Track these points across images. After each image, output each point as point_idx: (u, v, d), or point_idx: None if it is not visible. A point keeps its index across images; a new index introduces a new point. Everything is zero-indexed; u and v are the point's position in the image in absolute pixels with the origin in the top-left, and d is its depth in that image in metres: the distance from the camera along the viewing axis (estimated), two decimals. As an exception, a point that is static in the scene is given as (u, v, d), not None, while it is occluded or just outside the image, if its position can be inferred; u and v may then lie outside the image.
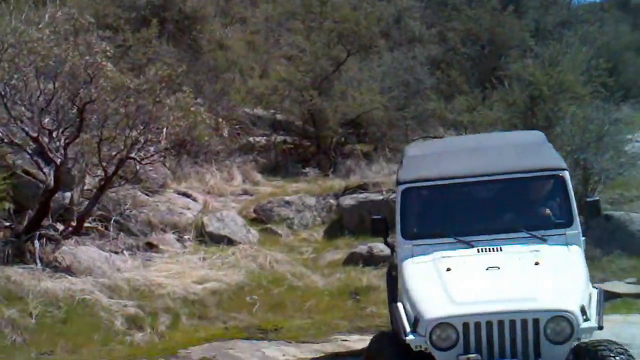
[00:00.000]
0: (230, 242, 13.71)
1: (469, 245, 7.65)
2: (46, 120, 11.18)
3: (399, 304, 7.31)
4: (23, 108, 11.13)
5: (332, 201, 15.71)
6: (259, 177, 17.42)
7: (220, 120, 14.70)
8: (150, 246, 12.90)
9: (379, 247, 13.38)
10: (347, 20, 19.53)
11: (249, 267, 12.59)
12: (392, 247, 8.45)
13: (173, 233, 13.60)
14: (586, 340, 6.86)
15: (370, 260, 13.19)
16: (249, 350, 9.54)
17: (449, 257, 7.58)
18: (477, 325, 6.71)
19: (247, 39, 22.76)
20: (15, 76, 10.83)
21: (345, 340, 10.21)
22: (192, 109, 11.53)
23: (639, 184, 15.49)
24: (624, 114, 22.93)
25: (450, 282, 7.19)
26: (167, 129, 11.35)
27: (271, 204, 15.53)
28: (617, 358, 6.72)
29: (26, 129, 10.84)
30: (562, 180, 7.90)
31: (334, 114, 18.21)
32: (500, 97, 15.47)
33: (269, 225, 15.01)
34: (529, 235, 7.68)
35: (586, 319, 6.76)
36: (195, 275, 11.93)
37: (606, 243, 12.74)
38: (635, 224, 13.39)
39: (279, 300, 11.66)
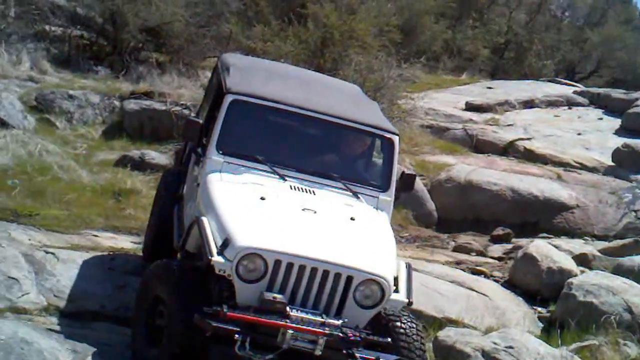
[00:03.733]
0: (4, 125, 13.17)
1: (282, 178, 7.22)
2: None
3: (204, 219, 6.76)
4: None
5: (116, 103, 15.40)
6: (48, 66, 16.76)
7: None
8: None
9: (152, 154, 13.48)
10: None
11: (17, 152, 12.20)
12: (197, 155, 7.69)
13: (-55, 106, 12.88)
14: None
15: (140, 165, 13.11)
16: (-4, 230, 9.27)
17: (261, 185, 7.10)
18: (290, 265, 6.33)
19: None
20: None
21: (96, 236, 10.18)
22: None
23: (408, 138, 16.06)
24: (414, 73, 23.87)
25: (265, 212, 6.77)
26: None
27: (54, 95, 15.03)
28: (409, 331, 6.70)
29: None
30: (392, 144, 7.62)
31: (135, 19, 17.78)
32: (293, 33, 15.56)
33: (47, 116, 14.55)
34: (344, 187, 7.36)
35: (396, 291, 6.58)
36: (-42, 151, 11.42)
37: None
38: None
39: (40, 188, 11.32)
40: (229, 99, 7.38)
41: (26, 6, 17.37)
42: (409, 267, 6.98)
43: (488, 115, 19.22)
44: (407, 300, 6.66)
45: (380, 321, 6.64)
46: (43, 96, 15.02)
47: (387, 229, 7.27)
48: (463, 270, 10.84)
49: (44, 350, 6.78)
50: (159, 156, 13.44)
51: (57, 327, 7.56)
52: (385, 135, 7.67)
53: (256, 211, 6.77)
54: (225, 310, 6.12)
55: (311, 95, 7.95)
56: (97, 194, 11.83)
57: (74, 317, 7.91)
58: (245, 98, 7.42)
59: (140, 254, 9.59)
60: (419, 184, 13.92)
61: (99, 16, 18.76)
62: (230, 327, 6.08)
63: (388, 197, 7.51)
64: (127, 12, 17.75)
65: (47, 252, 9.01)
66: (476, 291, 9.94)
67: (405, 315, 6.82)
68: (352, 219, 7.03)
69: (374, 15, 16.85)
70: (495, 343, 7.92)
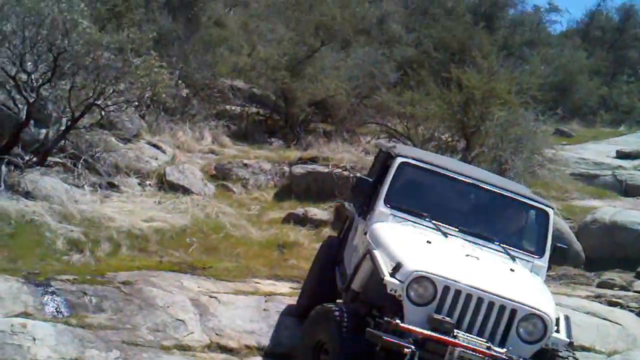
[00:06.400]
0: (187, 192, 13.74)
1: (445, 235, 7.32)
2: (28, 64, 11.45)
3: (376, 251, 6.83)
4: (9, 51, 11.39)
5: (285, 168, 15.91)
6: (227, 140, 17.58)
7: (180, 82, 14.94)
8: (112, 186, 12.91)
9: (313, 211, 13.80)
10: (326, 15, 19.79)
11: (196, 214, 12.65)
12: (363, 211, 7.91)
13: (136, 177, 13.61)
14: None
15: (303, 221, 13.46)
16: (170, 280, 9.69)
17: (426, 234, 7.22)
18: (458, 292, 6.27)
19: (243, 21, 22.86)
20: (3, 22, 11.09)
21: (258, 283, 10.43)
22: (155, 70, 11.74)
23: (558, 187, 15.81)
24: (571, 127, 23.47)
25: (432, 250, 6.83)
26: (131, 84, 11.56)
27: (231, 164, 15.70)
28: None
29: (6, 68, 11.12)
30: (547, 215, 7.69)
31: (303, 94, 18.46)
32: (438, 95, 15.66)
33: (225, 182, 15.17)
34: (502, 250, 7.39)
35: (557, 331, 6.47)
36: (145, 215, 11.97)
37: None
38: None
39: (214, 244, 11.77)
40: (398, 160, 7.71)
41: (208, 91, 18.34)
42: (567, 318, 6.86)
43: (637, 162, 18.50)
44: (568, 340, 6.50)
45: (544, 356, 6.45)
46: (221, 166, 15.68)
47: (543, 285, 7.17)
48: (600, 302, 10.57)
49: (202, 380, 7.08)
50: (320, 212, 13.76)
51: (217, 361, 7.81)
52: (543, 207, 7.74)
53: (424, 248, 6.85)
54: (397, 321, 6.05)
55: (469, 168, 8.23)
56: (263, 246, 12.16)
57: (232, 353, 8.19)
58: (412, 161, 7.75)
59: (295, 297, 9.79)
60: (565, 227, 13.70)
61: (273, 94, 19.57)
62: (400, 342, 5.95)
63: (543, 263, 7.47)
64: (297, 89, 18.42)
65: (210, 297, 9.37)
66: (610, 320, 9.69)
67: (568, 352, 6.61)
68: (511, 270, 6.99)
69: (518, 75, 16.66)
70: (616, 365, 7.57)
